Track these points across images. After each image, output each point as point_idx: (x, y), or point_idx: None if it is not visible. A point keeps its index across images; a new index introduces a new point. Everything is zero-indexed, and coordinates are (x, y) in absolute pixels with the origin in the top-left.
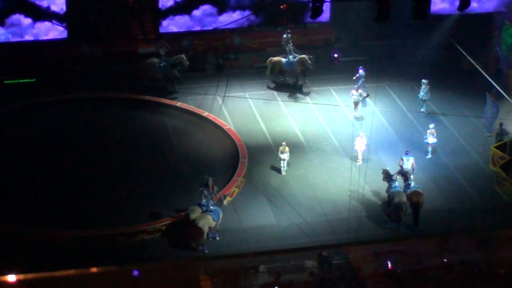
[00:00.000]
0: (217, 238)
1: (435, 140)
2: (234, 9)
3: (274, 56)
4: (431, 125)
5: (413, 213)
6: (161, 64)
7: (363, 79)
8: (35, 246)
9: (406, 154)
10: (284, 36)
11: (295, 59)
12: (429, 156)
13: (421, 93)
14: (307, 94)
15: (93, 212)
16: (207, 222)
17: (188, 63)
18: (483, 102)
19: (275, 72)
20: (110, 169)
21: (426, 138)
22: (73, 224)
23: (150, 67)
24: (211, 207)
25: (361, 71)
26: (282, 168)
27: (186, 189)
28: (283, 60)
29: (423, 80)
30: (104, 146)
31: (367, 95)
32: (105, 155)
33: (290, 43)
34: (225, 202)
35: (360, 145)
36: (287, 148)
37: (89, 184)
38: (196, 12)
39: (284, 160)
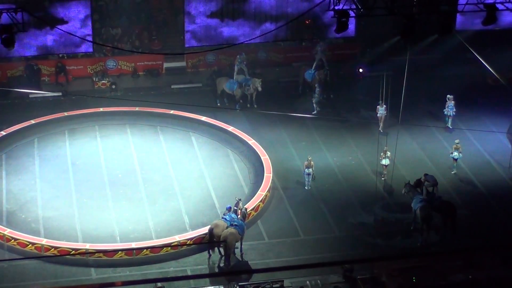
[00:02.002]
0: (243, 253)
1: (460, 155)
2: (259, 24)
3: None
4: (457, 140)
5: (452, 221)
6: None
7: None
8: None
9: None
10: (318, 48)
11: (244, 82)
12: (454, 171)
13: (446, 108)
14: (333, 108)
15: (120, 225)
16: (234, 237)
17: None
18: (509, 118)
19: (219, 94)
20: (133, 184)
21: (452, 153)
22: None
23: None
24: (235, 222)
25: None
26: (306, 182)
27: (210, 204)
28: (227, 82)
29: (448, 96)
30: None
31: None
32: (130, 168)
33: (244, 63)
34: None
35: (384, 160)
36: (312, 163)
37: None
38: (223, 27)
39: (309, 174)
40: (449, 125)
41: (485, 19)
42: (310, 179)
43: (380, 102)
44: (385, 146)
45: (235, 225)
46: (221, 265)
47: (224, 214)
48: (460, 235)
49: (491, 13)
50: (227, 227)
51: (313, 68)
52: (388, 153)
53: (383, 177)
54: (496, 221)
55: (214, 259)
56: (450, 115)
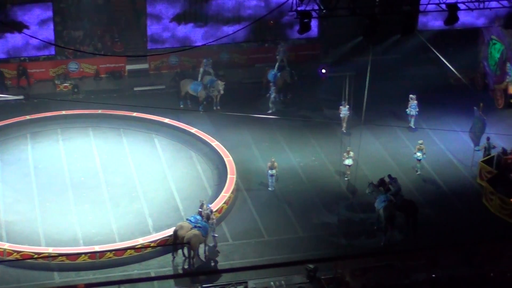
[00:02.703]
0: (206, 254)
1: (424, 156)
2: (221, 25)
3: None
4: (420, 141)
5: (413, 221)
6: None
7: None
8: None
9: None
10: (280, 49)
11: (209, 84)
12: (418, 172)
13: (409, 108)
14: (296, 109)
15: (83, 229)
16: (198, 239)
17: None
18: (471, 117)
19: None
20: (96, 187)
21: (415, 153)
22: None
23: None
24: (199, 224)
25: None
26: (270, 184)
27: (174, 206)
28: (192, 84)
29: (411, 95)
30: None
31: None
32: (93, 171)
33: (210, 66)
34: (213, 217)
35: (347, 160)
36: (275, 164)
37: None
38: (185, 28)
39: (272, 175)
40: (412, 124)
41: (447, 18)
42: (274, 180)
43: (343, 102)
44: (348, 146)
45: (199, 226)
46: (185, 266)
47: (189, 217)
48: (423, 234)
49: (453, 12)
50: (191, 229)
51: (275, 69)
52: (351, 153)
53: (346, 177)
54: (459, 220)
55: (178, 261)
56: (412, 115)
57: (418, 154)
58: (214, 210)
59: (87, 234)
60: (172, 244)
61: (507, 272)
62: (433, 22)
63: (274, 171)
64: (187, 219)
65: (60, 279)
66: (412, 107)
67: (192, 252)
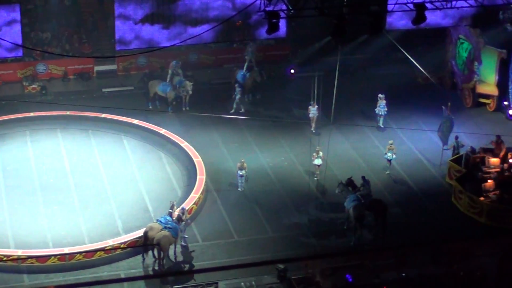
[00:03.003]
0: (176, 256)
1: (394, 156)
2: (190, 26)
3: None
4: (390, 141)
5: (382, 220)
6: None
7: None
8: None
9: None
10: (249, 49)
11: (178, 84)
12: (388, 172)
13: (378, 108)
14: (265, 109)
15: (53, 231)
16: (167, 240)
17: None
18: (439, 116)
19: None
20: (65, 189)
21: (386, 154)
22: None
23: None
24: (169, 225)
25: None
26: (240, 184)
27: (143, 207)
28: (160, 85)
29: (380, 95)
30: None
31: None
32: (62, 173)
33: (178, 67)
34: (184, 218)
35: (317, 160)
36: (245, 164)
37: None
38: (154, 29)
39: (242, 176)
40: (381, 124)
41: (414, 18)
42: (243, 181)
43: (312, 102)
44: (318, 146)
45: (169, 227)
46: (155, 268)
47: (159, 218)
48: (392, 233)
49: (421, 12)
50: (161, 230)
51: (244, 69)
52: (321, 153)
53: (316, 177)
54: (428, 219)
55: (148, 262)
56: (381, 114)
57: (389, 154)
58: (185, 209)
59: (57, 236)
60: (142, 245)
61: (476, 271)
62: (401, 21)
63: (243, 171)
64: (157, 220)
65: (29, 282)
66: (381, 106)
67: (162, 253)
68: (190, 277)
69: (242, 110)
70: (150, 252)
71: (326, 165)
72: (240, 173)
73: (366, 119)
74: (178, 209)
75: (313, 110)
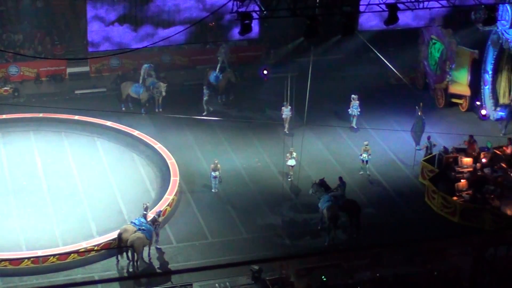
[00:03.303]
0: (150, 257)
1: (369, 157)
2: (163, 27)
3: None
4: (365, 142)
5: (356, 220)
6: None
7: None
8: None
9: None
10: (222, 50)
11: (151, 85)
12: (361, 172)
13: (351, 108)
14: (239, 110)
15: (26, 233)
16: (141, 242)
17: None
18: (412, 116)
19: (124, 98)
20: (38, 191)
21: (361, 155)
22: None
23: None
24: (143, 226)
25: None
26: (213, 185)
27: (117, 209)
28: (133, 86)
29: (353, 96)
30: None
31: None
32: (34, 176)
33: (151, 70)
34: (160, 220)
35: (290, 161)
36: (219, 166)
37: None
38: (126, 31)
39: (216, 177)
40: (354, 124)
41: (387, 19)
42: (217, 182)
43: (285, 103)
44: (291, 147)
45: (143, 229)
46: (130, 270)
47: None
48: (366, 233)
49: (393, 13)
50: (135, 232)
51: (217, 70)
52: (294, 154)
53: (289, 178)
54: (402, 219)
55: (123, 264)
56: (354, 115)
57: (364, 155)
58: (157, 212)
59: (30, 239)
60: (116, 247)
61: (450, 270)
62: (373, 22)
63: (217, 173)
64: (132, 222)
65: (3, 285)
66: (354, 107)
67: (136, 255)
68: (165, 279)
69: (211, 110)
70: (124, 254)
71: (300, 166)
72: (214, 174)
73: (339, 119)
74: (153, 211)
75: (286, 111)
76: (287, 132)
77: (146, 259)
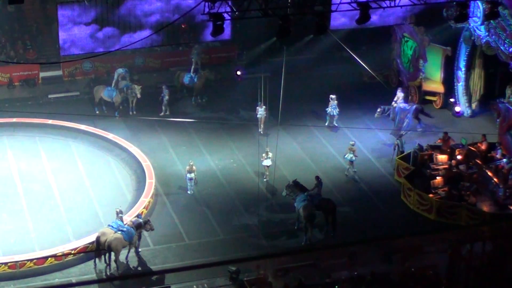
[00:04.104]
0: (128, 259)
1: (355, 157)
2: (134, 30)
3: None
4: (351, 142)
5: (332, 219)
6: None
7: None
8: None
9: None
10: (194, 51)
11: (125, 88)
12: (346, 173)
13: (330, 108)
14: (212, 111)
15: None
16: (119, 242)
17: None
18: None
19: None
20: (13, 196)
21: (346, 155)
22: None
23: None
24: (124, 228)
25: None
26: (189, 187)
27: (93, 213)
28: (105, 90)
29: (331, 96)
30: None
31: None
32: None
33: (126, 73)
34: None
35: (266, 161)
36: (194, 167)
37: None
38: (98, 34)
39: (191, 179)
40: (330, 123)
41: (358, 18)
42: (193, 184)
43: (260, 103)
44: (267, 147)
45: (122, 230)
46: (108, 273)
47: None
48: (343, 232)
49: (365, 11)
50: (114, 233)
51: (191, 71)
52: (270, 154)
53: (265, 178)
54: (378, 217)
55: (101, 268)
56: (333, 115)
57: (350, 155)
58: (134, 215)
59: (6, 244)
60: (94, 250)
61: (427, 267)
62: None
63: (192, 174)
64: (109, 225)
65: None
66: (333, 107)
67: (113, 256)
68: (142, 281)
69: (168, 113)
70: (103, 258)
71: (275, 166)
72: (189, 176)
73: (314, 119)
74: (129, 214)
75: (260, 111)
76: (261, 132)
77: (124, 261)
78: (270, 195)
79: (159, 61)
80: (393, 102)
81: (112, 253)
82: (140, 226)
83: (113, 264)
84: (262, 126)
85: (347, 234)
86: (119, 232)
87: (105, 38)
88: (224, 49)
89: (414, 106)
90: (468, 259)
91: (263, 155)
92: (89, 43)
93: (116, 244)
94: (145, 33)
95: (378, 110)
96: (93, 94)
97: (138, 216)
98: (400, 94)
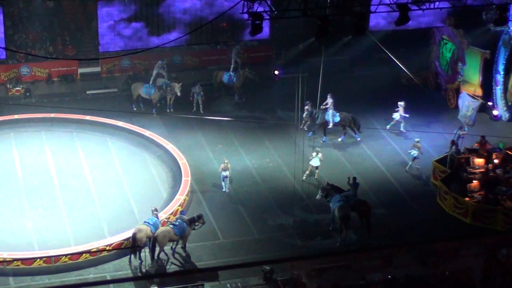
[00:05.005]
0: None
1: (420, 154)
2: (173, 28)
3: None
4: (417, 139)
5: (366, 221)
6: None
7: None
8: None
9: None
10: (234, 51)
11: (164, 85)
12: (407, 168)
13: (398, 114)
14: (249, 110)
15: (38, 233)
16: (166, 235)
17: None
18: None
19: (135, 99)
20: (50, 191)
21: (410, 152)
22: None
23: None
24: (177, 222)
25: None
26: (224, 185)
27: (129, 209)
28: (143, 87)
29: (400, 102)
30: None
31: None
32: (46, 176)
33: (164, 68)
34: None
35: (314, 161)
36: (229, 165)
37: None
38: (137, 31)
39: (226, 177)
40: (399, 128)
41: (397, 19)
42: (228, 182)
43: (308, 102)
44: (318, 147)
45: (175, 224)
46: (143, 269)
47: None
48: (378, 234)
49: (404, 13)
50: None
51: (231, 70)
52: (320, 154)
53: (316, 176)
54: (413, 220)
55: (135, 264)
56: (400, 120)
57: (414, 151)
58: (169, 212)
59: (42, 239)
60: (130, 247)
61: (462, 271)
62: (384, 22)
63: (227, 172)
64: (145, 222)
65: (15, 284)
66: (399, 113)
67: (159, 248)
68: (177, 279)
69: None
70: (137, 255)
71: (311, 166)
72: (224, 174)
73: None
74: (164, 211)
75: (309, 110)
76: (305, 129)
77: (165, 257)
78: (305, 195)
79: (197, 59)
80: (322, 106)
81: (157, 248)
82: (193, 221)
83: (147, 261)
84: (308, 123)
85: (381, 236)
86: (171, 226)
87: (143, 35)
88: (262, 49)
89: (480, 102)
90: (504, 263)
91: (313, 154)
92: (127, 40)
93: (163, 236)
94: (183, 31)
95: (306, 112)
96: (131, 91)
97: (182, 212)
98: (329, 100)
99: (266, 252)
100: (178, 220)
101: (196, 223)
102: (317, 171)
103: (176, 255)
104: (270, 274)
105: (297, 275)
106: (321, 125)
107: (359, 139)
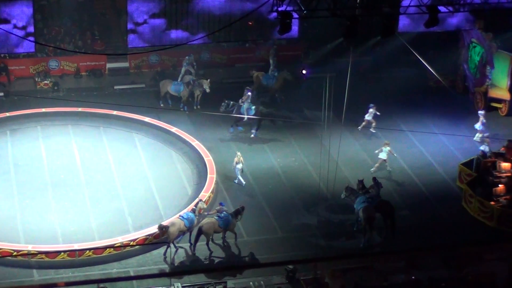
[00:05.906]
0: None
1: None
2: (202, 25)
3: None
4: (386, 141)
5: (391, 222)
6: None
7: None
8: None
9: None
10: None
11: (192, 82)
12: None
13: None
14: (276, 109)
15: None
16: (211, 226)
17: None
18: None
19: (163, 96)
20: (76, 185)
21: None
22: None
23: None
24: (222, 214)
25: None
26: (239, 179)
27: (154, 205)
28: (172, 84)
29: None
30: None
31: None
32: (72, 169)
33: (192, 64)
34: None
35: (382, 154)
36: (241, 158)
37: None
38: (166, 28)
39: (240, 170)
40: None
41: (427, 21)
42: (238, 174)
43: (372, 104)
44: (386, 140)
45: (220, 217)
46: (166, 266)
47: (219, 212)
48: (402, 235)
49: (433, 15)
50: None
51: (269, 71)
52: (388, 148)
53: (389, 169)
54: (438, 222)
55: (157, 260)
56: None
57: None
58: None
59: (67, 232)
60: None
61: (485, 276)
62: (414, 24)
63: (240, 165)
64: (180, 216)
65: (39, 277)
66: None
67: (206, 239)
68: (199, 276)
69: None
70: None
71: (337, 167)
72: (239, 167)
73: (377, 120)
74: (189, 207)
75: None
76: (360, 129)
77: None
78: (330, 195)
79: (226, 56)
80: (240, 100)
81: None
82: (238, 213)
83: (169, 258)
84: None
85: (406, 238)
86: (216, 217)
87: (172, 31)
88: (291, 48)
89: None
90: None
91: (382, 147)
92: (156, 36)
93: (208, 227)
94: (212, 28)
95: (223, 104)
96: (159, 87)
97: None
98: (248, 94)
99: (290, 251)
100: (224, 212)
101: (241, 215)
102: (386, 163)
103: (200, 253)
104: (293, 273)
105: (320, 275)
106: (237, 118)
107: (252, 136)
